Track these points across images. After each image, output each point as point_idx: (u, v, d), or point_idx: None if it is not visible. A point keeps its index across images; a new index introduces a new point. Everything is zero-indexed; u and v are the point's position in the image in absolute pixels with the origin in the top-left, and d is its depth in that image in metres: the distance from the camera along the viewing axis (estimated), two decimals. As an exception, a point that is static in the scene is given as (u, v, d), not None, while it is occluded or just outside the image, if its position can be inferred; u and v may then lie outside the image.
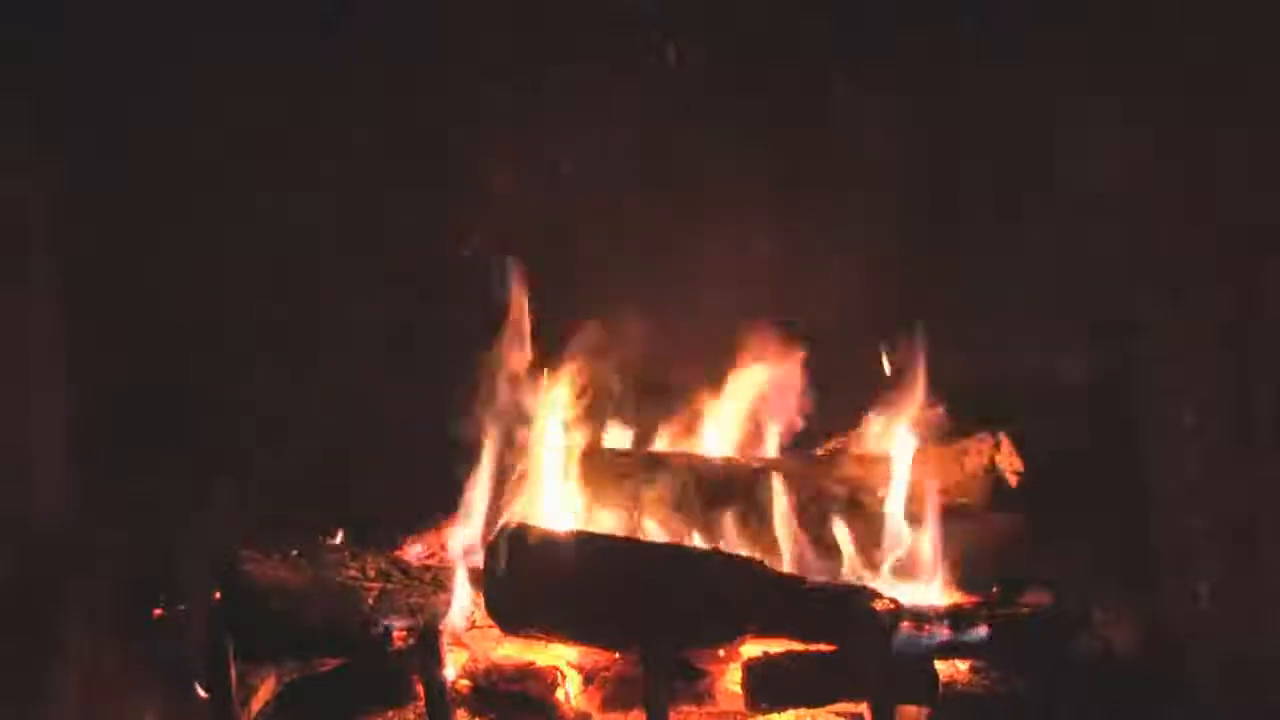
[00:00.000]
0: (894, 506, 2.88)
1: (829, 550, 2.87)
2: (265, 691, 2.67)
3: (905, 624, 2.61)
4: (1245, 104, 2.67)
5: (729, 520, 2.88)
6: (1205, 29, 2.71)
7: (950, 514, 2.86)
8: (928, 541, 2.85)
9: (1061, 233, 3.01)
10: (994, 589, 2.82)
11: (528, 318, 3.03)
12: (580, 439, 3.05)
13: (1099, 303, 2.97)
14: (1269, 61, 2.63)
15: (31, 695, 2.60)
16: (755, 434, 3.08)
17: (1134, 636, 2.68)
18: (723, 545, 2.81)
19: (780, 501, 2.88)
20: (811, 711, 2.59)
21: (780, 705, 2.59)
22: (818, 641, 2.62)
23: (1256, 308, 2.68)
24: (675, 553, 2.73)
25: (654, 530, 2.90)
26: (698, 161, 3.12)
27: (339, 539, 2.91)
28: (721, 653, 2.66)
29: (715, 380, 3.09)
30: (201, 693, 2.59)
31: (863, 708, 2.54)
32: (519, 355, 3.02)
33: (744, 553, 2.78)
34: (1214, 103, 2.71)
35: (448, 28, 3.08)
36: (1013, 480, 2.93)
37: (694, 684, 2.64)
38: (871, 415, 3.06)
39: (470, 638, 2.74)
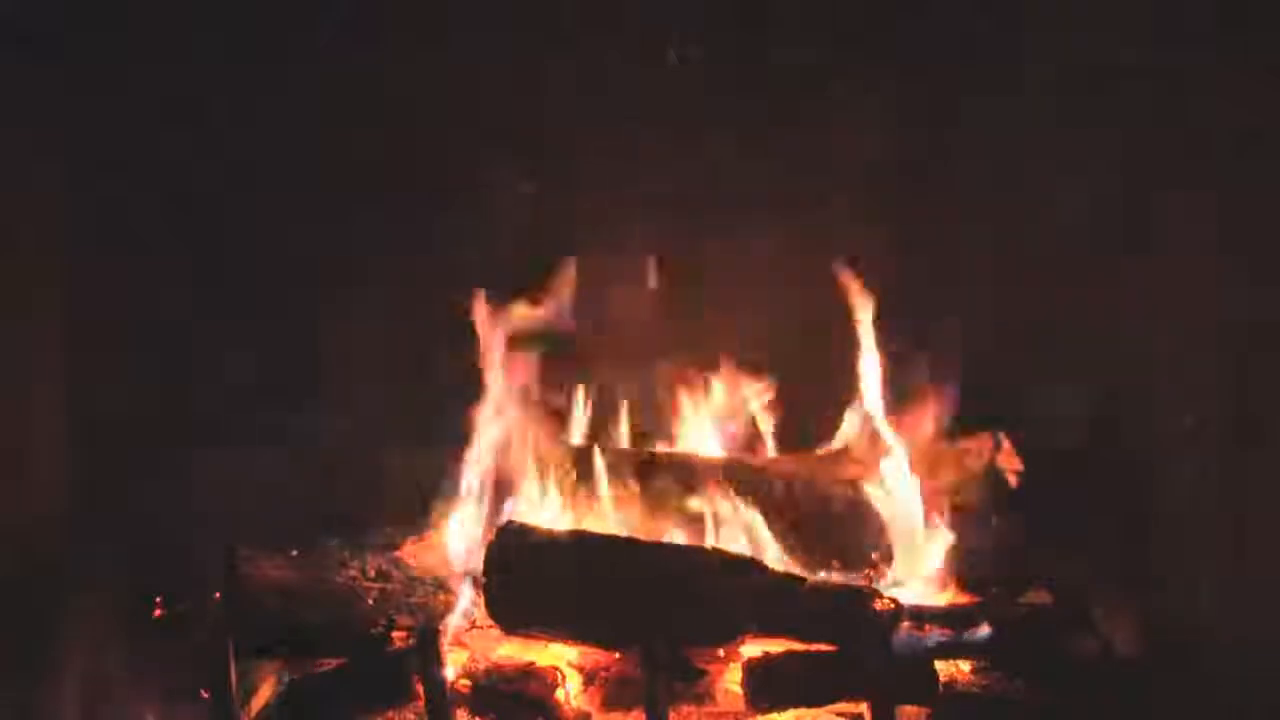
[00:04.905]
0: (894, 507, 2.88)
1: (829, 550, 2.87)
2: (265, 691, 2.67)
3: (905, 624, 2.61)
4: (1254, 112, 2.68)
5: (728, 520, 2.88)
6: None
7: (950, 514, 2.86)
8: (928, 542, 2.85)
9: (1062, 233, 3.02)
10: (994, 589, 2.82)
11: (527, 316, 3.03)
12: (580, 439, 3.06)
13: (1099, 302, 2.98)
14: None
15: (31, 696, 2.60)
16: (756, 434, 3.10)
17: (1134, 636, 2.68)
18: (722, 545, 2.81)
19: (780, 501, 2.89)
20: (811, 711, 2.59)
21: (780, 705, 2.59)
22: (818, 641, 2.62)
23: (1257, 307, 2.68)
24: (675, 553, 2.73)
25: (654, 530, 2.90)
26: (698, 160, 3.12)
27: (338, 539, 2.90)
28: (721, 653, 2.66)
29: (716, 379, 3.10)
30: (202, 693, 2.59)
31: (863, 708, 2.54)
32: (520, 354, 3.02)
33: (744, 553, 2.79)
34: (1223, 108, 2.72)
35: (445, 23, 3.09)
36: (1013, 480, 2.93)
37: (694, 684, 2.63)
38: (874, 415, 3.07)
39: (470, 638, 2.74)
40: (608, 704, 2.64)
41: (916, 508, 2.88)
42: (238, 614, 2.64)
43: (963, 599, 2.81)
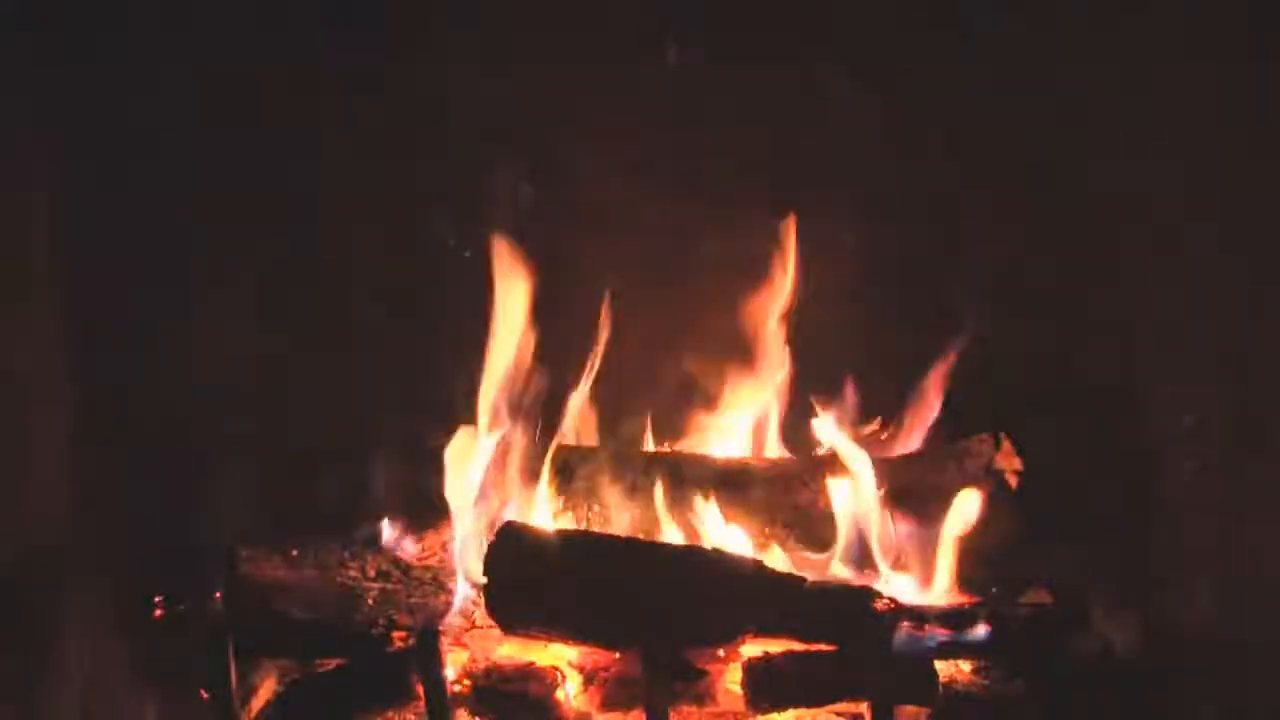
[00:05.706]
0: (894, 506, 2.88)
1: (829, 550, 2.87)
2: (265, 691, 2.67)
3: (905, 624, 2.61)
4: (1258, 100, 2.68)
5: (730, 520, 2.88)
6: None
7: (950, 514, 2.86)
8: (927, 542, 2.85)
9: (1062, 232, 3.02)
10: (994, 589, 2.83)
11: (526, 315, 3.03)
12: (581, 438, 3.06)
13: (1100, 302, 2.98)
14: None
15: (31, 695, 2.59)
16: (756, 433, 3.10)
17: (1134, 636, 2.68)
18: (723, 545, 2.81)
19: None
20: (811, 711, 2.59)
21: (780, 705, 2.59)
22: (818, 641, 2.62)
23: (1257, 307, 2.68)
24: (675, 552, 2.73)
25: (653, 530, 2.90)
26: (697, 160, 3.12)
27: (338, 539, 2.90)
28: (721, 653, 2.66)
29: (716, 379, 3.10)
30: (202, 693, 2.59)
31: (863, 708, 2.54)
32: (519, 355, 3.02)
33: (744, 553, 2.79)
34: (1225, 100, 2.72)
35: (445, 23, 3.09)
36: (1013, 480, 2.93)
37: (694, 684, 2.63)
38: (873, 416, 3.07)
39: (470, 638, 2.74)
40: (608, 704, 2.64)
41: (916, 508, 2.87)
42: (238, 614, 2.64)
43: (963, 599, 2.81)
